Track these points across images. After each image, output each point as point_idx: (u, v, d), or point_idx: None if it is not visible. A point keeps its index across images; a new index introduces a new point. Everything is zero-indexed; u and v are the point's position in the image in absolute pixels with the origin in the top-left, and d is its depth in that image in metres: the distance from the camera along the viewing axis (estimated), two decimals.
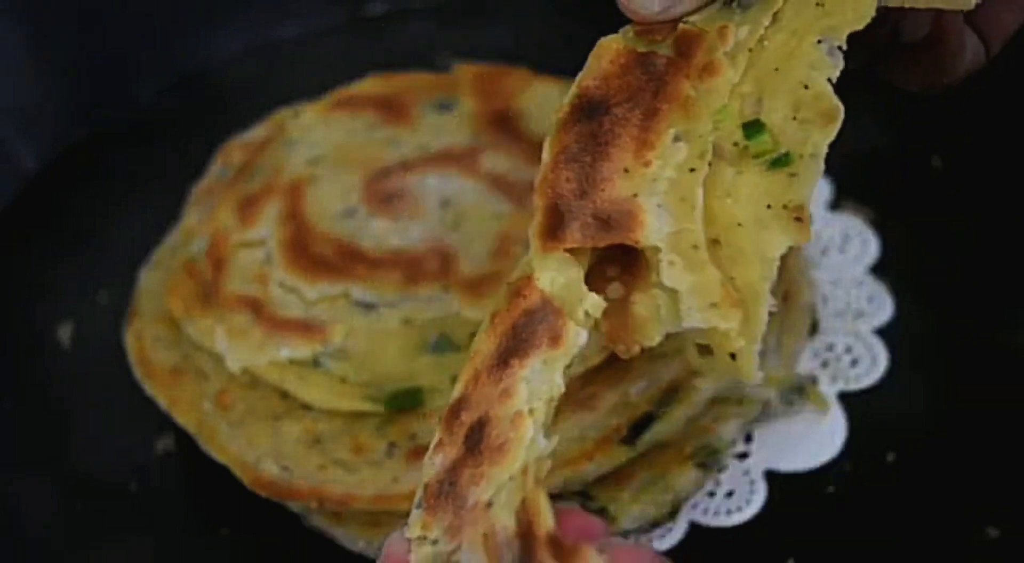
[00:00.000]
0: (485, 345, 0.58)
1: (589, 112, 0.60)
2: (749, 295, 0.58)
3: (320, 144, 0.90)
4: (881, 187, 0.92)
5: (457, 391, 0.58)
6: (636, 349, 0.60)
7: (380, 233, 0.84)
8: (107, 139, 1.06)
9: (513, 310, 0.58)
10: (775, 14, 0.59)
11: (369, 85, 0.94)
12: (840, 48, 0.59)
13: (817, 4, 0.59)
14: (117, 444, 0.85)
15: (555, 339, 0.58)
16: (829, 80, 0.59)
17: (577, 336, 0.58)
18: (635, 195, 0.58)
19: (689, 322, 0.59)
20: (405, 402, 0.77)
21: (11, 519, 0.81)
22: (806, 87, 0.59)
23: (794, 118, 0.59)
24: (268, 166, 0.89)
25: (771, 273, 0.57)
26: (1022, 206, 0.89)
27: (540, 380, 0.57)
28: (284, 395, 0.79)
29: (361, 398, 0.77)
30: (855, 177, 0.92)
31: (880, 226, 0.90)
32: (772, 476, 0.78)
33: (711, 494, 0.77)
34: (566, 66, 0.97)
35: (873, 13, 0.58)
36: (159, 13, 1.09)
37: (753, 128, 0.58)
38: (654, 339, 0.60)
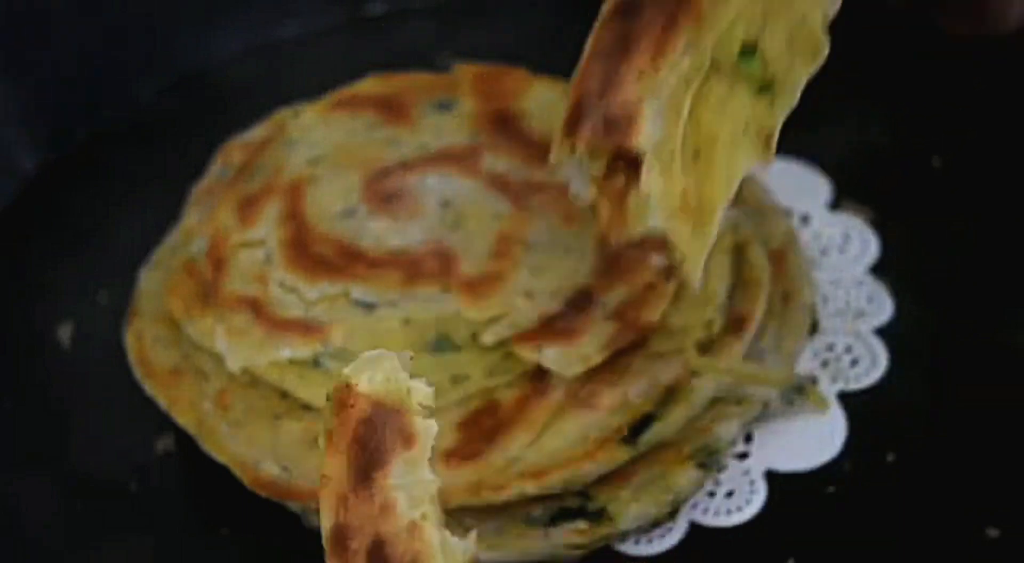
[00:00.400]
0: (334, 468, 0.58)
1: (625, 12, 0.63)
2: (706, 211, 0.63)
3: (320, 144, 0.90)
4: (881, 187, 0.92)
5: (327, 521, 0.58)
6: (623, 239, 0.64)
7: (380, 233, 0.84)
8: (107, 139, 1.06)
9: (346, 423, 0.58)
10: None
11: (369, 85, 0.94)
12: None
13: None
14: (117, 444, 0.85)
15: (407, 439, 0.58)
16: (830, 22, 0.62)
17: (427, 428, 0.58)
18: (641, 99, 0.62)
19: (653, 223, 0.63)
20: None
21: (11, 519, 0.81)
22: (804, 20, 0.62)
23: (788, 49, 0.62)
24: (268, 166, 0.89)
25: (730, 194, 0.62)
26: (1022, 206, 0.89)
27: (412, 483, 0.57)
28: (284, 395, 0.79)
29: None
30: (855, 177, 0.92)
31: (880, 226, 0.90)
32: (772, 476, 0.78)
33: (711, 494, 0.77)
34: (566, 66, 0.97)
35: None
36: (159, 13, 1.09)
37: (747, 53, 0.62)
38: (634, 232, 0.64)
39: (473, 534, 0.60)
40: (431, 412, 0.60)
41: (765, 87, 0.63)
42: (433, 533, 0.59)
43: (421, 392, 0.59)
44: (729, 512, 0.77)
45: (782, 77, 0.63)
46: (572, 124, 0.64)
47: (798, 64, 0.62)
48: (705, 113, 0.63)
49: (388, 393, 0.58)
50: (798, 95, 0.62)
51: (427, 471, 0.58)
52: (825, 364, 0.83)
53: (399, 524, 0.57)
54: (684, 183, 0.62)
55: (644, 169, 0.62)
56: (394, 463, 0.58)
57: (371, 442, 0.57)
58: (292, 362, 0.79)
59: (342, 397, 0.58)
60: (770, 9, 0.62)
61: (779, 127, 0.63)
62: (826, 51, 0.62)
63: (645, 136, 0.61)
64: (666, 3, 0.62)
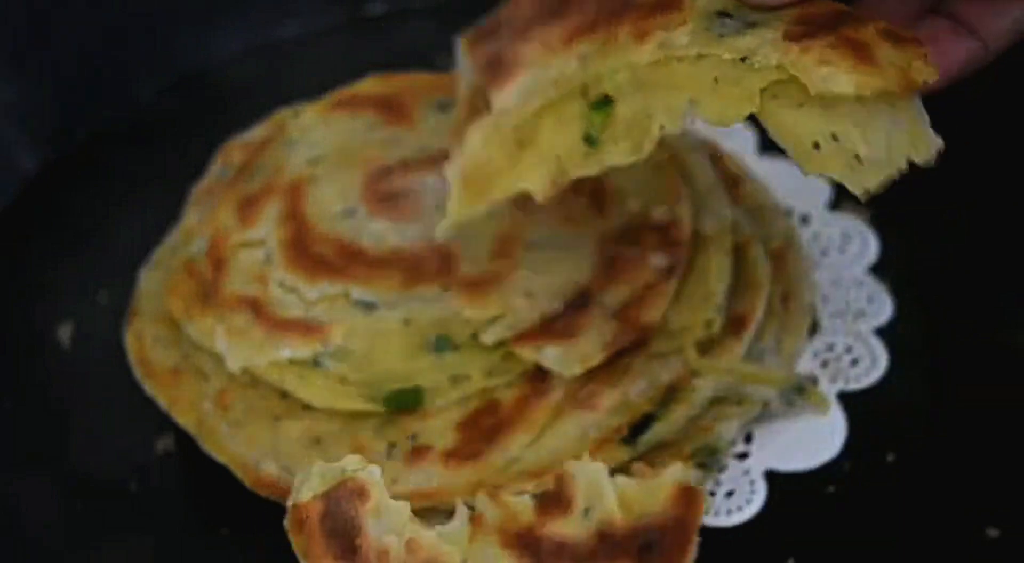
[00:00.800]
0: None
1: None
2: (487, 190, 0.67)
3: (320, 144, 0.90)
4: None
5: None
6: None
7: (380, 233, 0.84)
8: (107, 139, 1.06)
9: (312, 533, 0.65)
10: None
11: (369, 85, 0.94)
12: None
13: None
14: (117, 444, 0.85)
15: (362, 495, 0.65)
16: None
17: (371, 473, 0.66)
18: (530, 65, 0.66)
19: (451, 168, 0.68)
20: (405, 402, 0.77)
21: (11, 519, 0.81)
22: (649, 118, 0.66)
23: (624, 129, 0.66)
24: (268, 166, 0.89)
25: (504, 194, 0.67)
26: (1022, 206, 0.89)
27: (388, 522, 0.65)
28: (284, 395, 0.79)
29: (361, 398, 0.77)
30: None
31: (880, 226, 0.90)
32: (772, 476, 0.78)
33: (711, 494, 0.77)
34: None
35: None
36: (159, 13, 1.09)
37: (603, 104, 0.66)
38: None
39: (461, 508, 0.67)
40: (364, 463, 0.66)
41: (590, 141, 0.66)
42: (428, 535, 0.64)
43: (350, 462, 0.66)
44: (729, 512, 0.77)
45: (605, 146, 0.66)
46: (480, 35, 0.69)
47: (620, 149, 0.66)
48: (548, 117, 0.66)
49: (328, 485, 0.65)
50: (599, 170, 0.66)
51: (390, 501, 0.65)
52: (825, 364, 0.83)
53: (400, 556, 0.64)
54: (493, 156, 0.66)
55: (474, 126, 0.66)
56: (366, 520, 0.64)
57: (339, 525, 0.64)
58: (292, 362, 0.79)
59: (297, 517, 0.65)
60: (647, 82, 0.64)
61: (571, 178, 0.67)
62: (641, 156, 0.65)
63: (504, 95, 0.65)
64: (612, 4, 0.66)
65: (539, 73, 0.65)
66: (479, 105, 0.67)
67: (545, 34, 0.66)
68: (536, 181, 0.67)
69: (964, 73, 0.66)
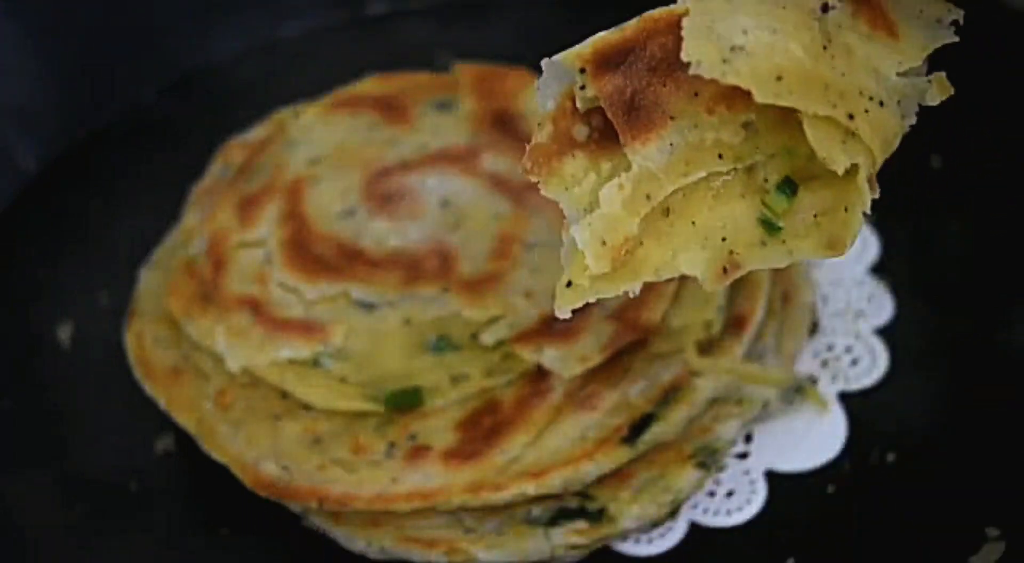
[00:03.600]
0: None
1: None
2: (628, 270, 0.56)
3: (320, 144, 0.90)
4: (881, 187, 0.92)
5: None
6: (533, 174, 0.58)
7: (380, 233, 0.84)
8: (107, 139, 1.06)
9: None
10: None
11: (369, 85, 0.94)
12: None
13: None
14: (117, 444, 0.85)
15: None
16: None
17: None
18: (678, 116, 0.55)
19: (573, 227, 0.57)
20: (405, 402, 0.77)
21: (11, 519, 0.81)
22: (846, 206, 0.57)
23: (814, 221, 0.56)
24: (268, 166, 0.89)
25: (657, 277, 0.56)
26: (1022, 206, 0.89)
27: None
28: (284, 395, 0.79)
29: (361, 398, 0.77)
30: None
31: (880, 226, 0.90)
32: (772, 476, 0.78)
33: (711, 494, 0.77)
34: None
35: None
36: (159, 13, 1.09)
37: (785, 189, 0.56)
38: (548, 190, 0.58)
39: None
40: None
41: (769, 225, 0.56)
42: None
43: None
44: (729, 512, 0.77)
45: (791, 237, 0.56)
46: (602, 56, 0.54)
47: (810, 244, 0.56)
48: (700, 190, 0.55)
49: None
50: (784, 263, 0.56)
51: None
52: (825, 364, 0.83)
53: None
54: (631, 227, 0.55)
55: (610, 185, 0.54)
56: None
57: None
58: (292, 362, 0.79)
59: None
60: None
61: (748, 269, 0.55)
62: (840, 255, 0.55)
63: (647, 151, 0.54)
64: None
65: (687, 133, 0.54)
66: (571, 136, 0.57)
67: (685, 81, 0.53)
68: (700, 265, 0.56)
69: None
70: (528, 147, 0.57)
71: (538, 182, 0.57)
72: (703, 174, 0.55)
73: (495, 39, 1.07)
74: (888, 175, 0.94)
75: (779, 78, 0.52)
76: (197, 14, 1.10)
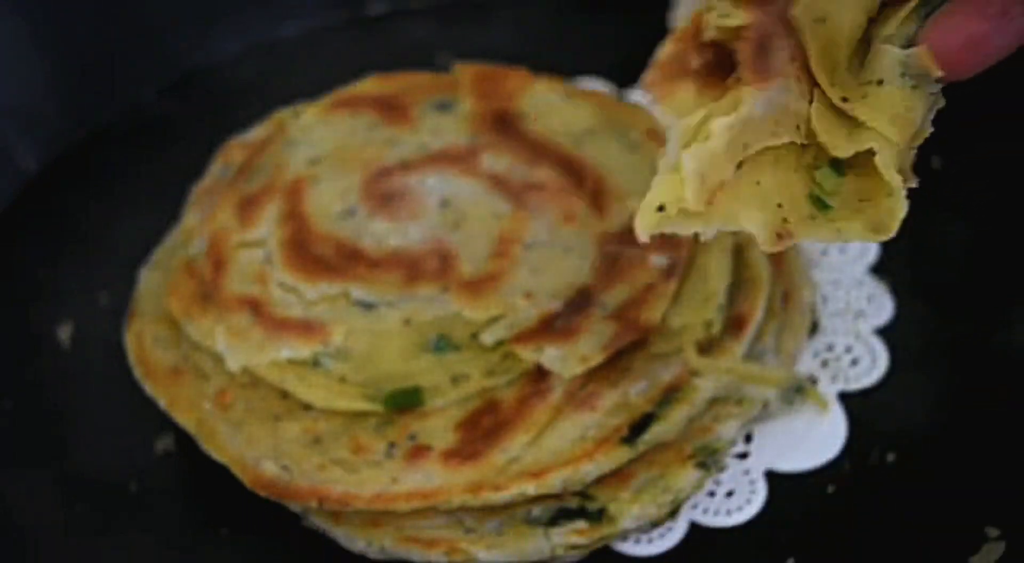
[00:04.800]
0: None
1: None
2: (707, 213, 0.56)
3: (320, 144, 0.90)
4: None
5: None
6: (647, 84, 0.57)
7: (380, 233, 0.84)
8: (107, 139, 1.06)
9: None
10: None
11: (369, 85, 0.94)
12: None
13: None
14: (117, 444, 0.85)
15: None
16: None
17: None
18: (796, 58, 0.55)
19: (671, 148, 0.56)
20: (405, 402, 0.77)
21: (11, 519, 0.81)
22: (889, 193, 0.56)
23: (857, 203, 0.56)
24: (268, 166, 0.89)
25: (717, 228, 0.56)
26: (1022, 206, 0.89)
27: None
28: (284, 395, 0.79)
29: (361, 398, 0.77)
30: None
31: None
32: (772, 476, 0.78)
33: (711, 494, 0.77)
34: (566, 66, 0.98)
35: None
36: (159, 13, 1.09)
37: (835, 166, 0.55)
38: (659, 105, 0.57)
39: None
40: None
41: (819, 202, 0.55)
42: None
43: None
44: (729, 512, 0.77)
45: (839, 216, 0.55)
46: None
47: (856, 226, 0.55)
48: (767, 154, 0.55)
49: None
50: (833, 241, 0.56)
51: None
52: (825, 364, 0.83)
53: None
54: (728, 171, 0.54)
55: (723, 120, 0.53)
56: None
57: None
58: (292, 362, 0.79)
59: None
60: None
61: (796, 240, 0.55)
62: (884, 238, 0.55)
63: (752, 99, 0.53)
64: None
65: (789, 95, 0.54)
66: (686, 62, 0.56)
67: (792, 42, 0.53)
68: (759, 225, 0.55)
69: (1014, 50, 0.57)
70: (651, 62, 0.56)
71: (652, 99, 0.57)
72: (787, 140, 0.55)
73: (495, 39, 1.07)
74: None
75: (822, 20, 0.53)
76: (197, 14, 1.10)
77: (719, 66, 0.56)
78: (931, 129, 0.56)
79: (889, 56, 0.54)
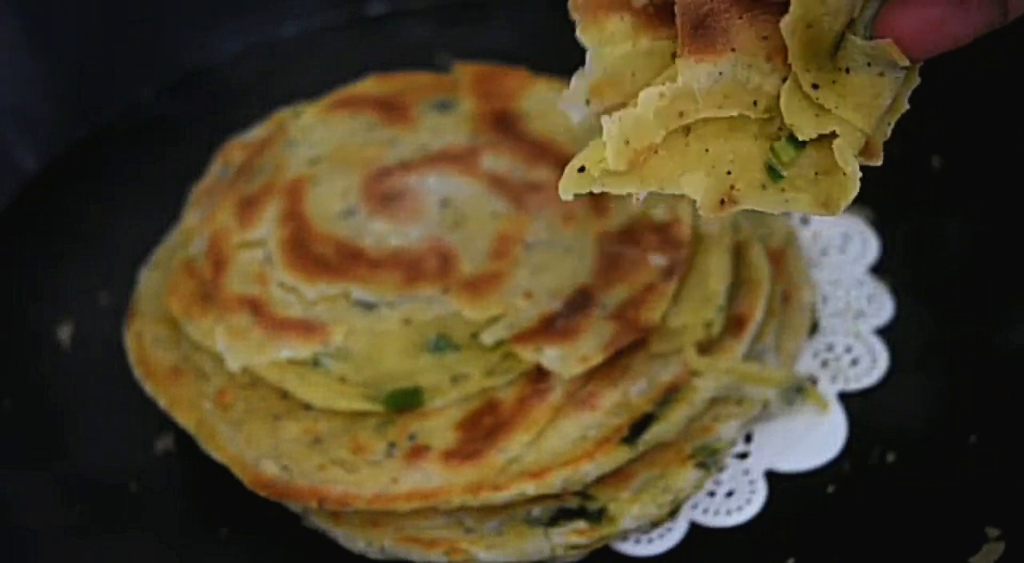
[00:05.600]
0: None
1: None
2: (636, 175, 0.57)
3: (320, 144, 0.90)
4: (881, 187, 0.92)
5: None
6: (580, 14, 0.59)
7: (380, 233, 0.84)
8: (107, 139, 1.06)
9: None
10: None
11: (369, 85, 0.94)
12: None
13: None
14: (117, 444, 0.85)
15: None
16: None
17: None
18: (734, 51, 0.55)
19: (579, 111, 0.59)
20: (405, 402, 0.77)
21: (11, 519, 0.81)
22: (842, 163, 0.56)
23: (813, 179, 0.56)
24: (268, 166, 0.89)
25: (654, 187, 0.57)
26: (1022, 206, 0.89)
27: None
28: (284, 395, 0.79)
29: (361, 398, 0.77)
30: None
31: (880, 226, 0.90)
32: (772, 476, 0.78)
33: (711, 494, 0.77)
34: (566, 66, 0.97)
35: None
36: (159, 13, 1.09)
37: (793, 142, 0.56)
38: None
39: None
40: None
41: (773, 171, 0.56)
42: None
43: None
44: (729, 512, 0.77)
45: (791, 187, 0.56)
46: None
47: (807, 198, 0.56)
48: (721, 120, 0.56)
49: None
50: (778, 210, 0.56)
51: None
52: (825, 364, 0.83)
53: None
54: (656, 136, 0.55)
55: (650, 89, 0.54)
56: None
57: None
58: (292, 362, 0.79)
59: None
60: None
61: (742, 207, 0.56)
62: (832, 214, 0.56)
63: (695, 71, 0.54)
64: None
65: (739, 70, 0.55)
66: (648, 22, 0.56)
67: (763, 21, 0.54)
68: (701, 190, 0.56)
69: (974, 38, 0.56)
70: None
71: (576, 22, 0.58)
72: (735, 113, 0.55)
73: (495, 39, 1.07)
74: (888, 175, 0.94)
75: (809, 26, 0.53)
76: (197, 14, 1.10)
77: (668, 10, 0.56)
78: (907, 106, 0.56)
79: (854, 45, 0.55)
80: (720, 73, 0.55)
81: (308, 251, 0.83)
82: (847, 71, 0.55)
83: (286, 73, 1.08)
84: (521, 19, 1.09)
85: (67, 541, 0.80)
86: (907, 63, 0.54)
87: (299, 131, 0.92)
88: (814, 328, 0.85)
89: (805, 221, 0.91)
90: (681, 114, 0.56)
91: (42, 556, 0.80)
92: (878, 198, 0.92)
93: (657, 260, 0.80)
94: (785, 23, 0.53)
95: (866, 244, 0.89)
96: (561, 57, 0.99)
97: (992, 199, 0.90)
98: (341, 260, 0.83)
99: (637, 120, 0.55)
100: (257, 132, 0.94)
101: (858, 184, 0.56)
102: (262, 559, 0.79)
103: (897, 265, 0.88)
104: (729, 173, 0.57)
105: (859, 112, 0.55)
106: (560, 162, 0.86)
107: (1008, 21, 0.56)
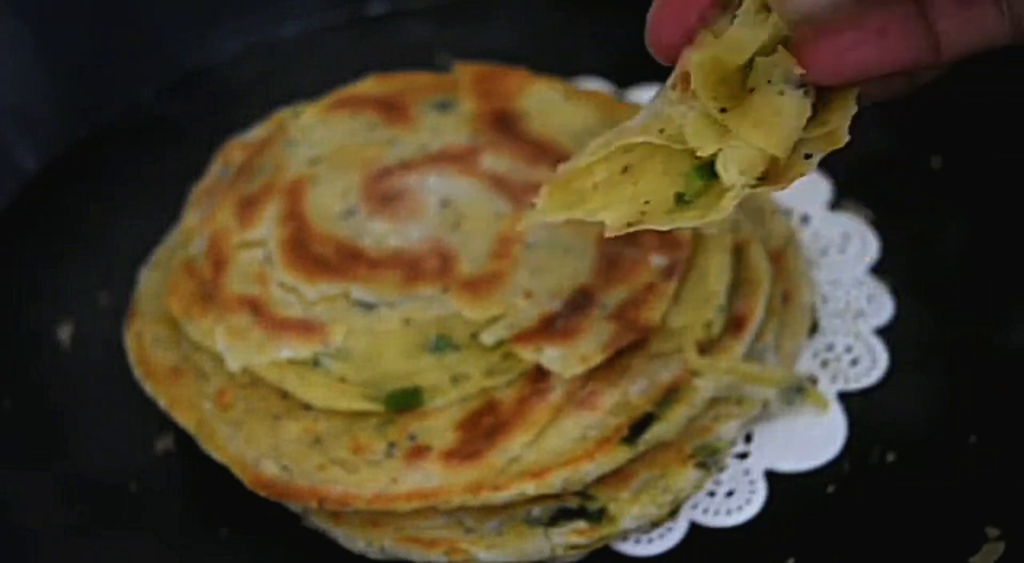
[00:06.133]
0: None
1: None
2: (567, 199, 0.62)
3: (320, 144, 0.90)
4: (881, 187, 0.92)
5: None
6: None
7: (380, 233, 0.84)
8: (107, 139, 1.06)
9: None
10: None
11: (369, 85, 0.94)
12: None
13: None
14: (117, 444, 0.85)
15: None
16: None
17: None
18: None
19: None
20: (405, 402, 0.77)
21: (11, 519, 0.81)
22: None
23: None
24: (268, 166, 0.89)
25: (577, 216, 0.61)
26: (1022, 206, 0.89)
27: None
28: (284, 395, 0.79)
29: (361, 398, 0.77)
30: (855, 177, 0.92)
31: (880, 226, 0.90)
32: (772, 476, 0.78)
33: (711, 494, 0.77)
34: (566, 66, 0.98)
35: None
36: (159, 13, 1.09)
37: (705, 171, 0.59)
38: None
39: None
40: None
41: (680, 201, 0.60)
42: None
43: None
44: (729, 512, 0.77)
45: (688, 209, 0.60)
46: None
47: (692, 214, 0.60)
48: (659, 157, 0.60)
49: None
50: (669, 228, 0.60)
51: None
52: (825, 364, 0.83)
53: None
54: (598, 172, 0.61)
55: (597, 139, 0.60)
56: None
57: None
58: (292, 362, 0.79)
59: None
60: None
61: (644, 227, 0.60)
62: (707, 221, 0.59)
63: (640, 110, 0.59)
64: None
65: (661, 105, 0.59)
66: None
67: (690, 53, 0.57)
68: (615, 217, 0.61)
69: (903, 72, 0.58)
70: None
71: None
72: (648, 139, 0.59)
73: (495, 39, 1.07)
74: (888, 175, 0.94)
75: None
76: (197, 14, 1.10)
77: None
78: (847, 139, 0.57)
79: (757, 66, 0.56)
80: (651, 111, 0.59)
81: (308, 251, 0.83)
82: (751, 91, 0.57)
83: (286, 73, 1.08)
84: (521, 19, 1.09)
85: (67, 541, 0.80)
86: (800, 72, 0.55)
87: (299, 131, 0.92)
88: (814, 328, 0.85)
89: (805, 221, 0.91)
90: (607, 142, 0.60)
91: (42, 556, 0.80)
92: (878, 198, 0.92)
93: (657, 260, 0.80)
94: (682, 65, 0.57)
95: (866, 244, 0.89)
96: (561, 57, 1.00)
97: (992, 199, 0.90)
98: (341, 260, 0.83)
99: (576, 164, 0.61)
100: (257, 132, 0.94)
101: (733, 202, 0.58)
102: (262, 559, 0.79)
103: (897, 265, 0.88)
104: (647, 203, 0.60)
105: (758, 130, 0.57)
106: (560, 162, 0.86)
107: (943, 62, 0.56)
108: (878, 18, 0.54)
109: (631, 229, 0.60)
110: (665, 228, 0.59)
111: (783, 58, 0.55)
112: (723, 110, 0.57)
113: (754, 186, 0.57)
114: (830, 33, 0.54)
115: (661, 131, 0.59)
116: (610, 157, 0.60)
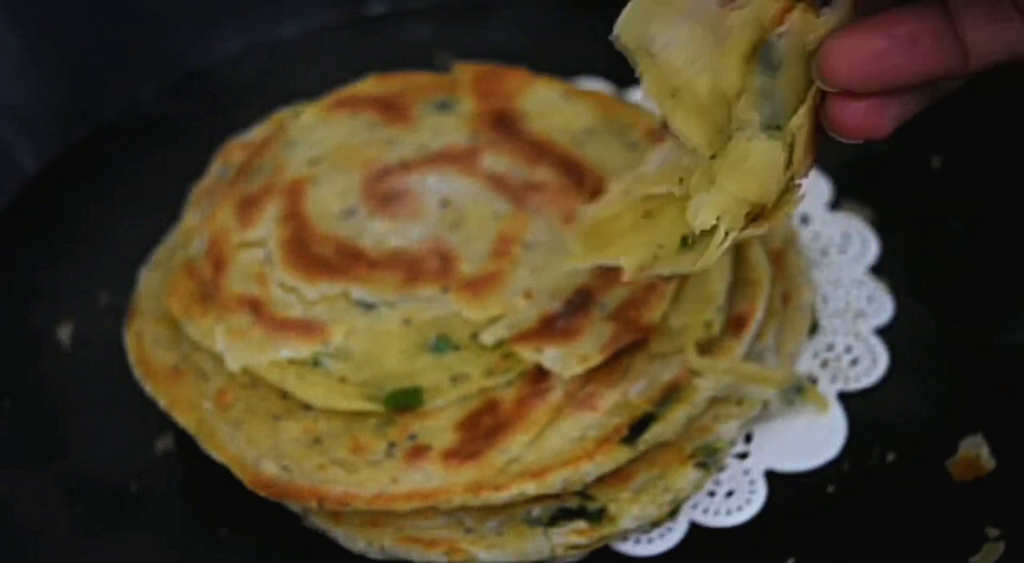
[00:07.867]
0: None
1: None
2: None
3: (320, 144, 0.90)
4: (881, 187, 0.92)
5: None
6: None
7: (380, 233, 0.84)
8: (107, 139, 1.06)
9: None
10: None
11: (369, 85, 0.94)
12: None
13: None
14: (117, 444, 0.85)
15: None
16: None
17: None
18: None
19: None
20: (405, 402, 0.77)
21: (11, 519, 0.81)
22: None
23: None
24: (268, 166, 0.89)
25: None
26: (1022, 206, 0.89)
27: None
28: (284, 395, 0.79)
29: (361, 398, 0.77)
30: (855, 177, 0.92)
31: (880, 226, 0.90)
32: (772, 476, 0.78)
33: (711, 494, 0.77)
34: (566, 66, 0.98)
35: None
36: (159, 13, 1.09)
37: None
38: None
39: None
40: None
41: (685, 244, 0.62)
42: None
43: None
44: (729, 512, 0.77)
45: (687, 254, 0.62)
46: None
47: (687, 260, 0.62)
48: (676, 202, 0.62)
49: None
50: (668, 273, 0.63)
51: None
52: (825, 364, 0.83)
53: None
54: (622, 216, 0.66)
55: (617, 180, 0.66)
56: None
57: None
58: (292, 362, 0.79)
59: None
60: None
61: (653, 272, 0.63)
62: (696, 270, 0.61)
63: (654, 155, 0.66)
64: None
65: (675, 152, 0.63)
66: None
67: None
68: (631, 261, 0.64)
69: (930, 82, 0.57)
70: None
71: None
72: (663, 190, 0.62)
73: (495, 39, 1.07)
74: (888, 175, 0.94)
75: (673, 94, 0.58)
76: (197, 14, 1.10)
77: None
78: (802, 195, 0.59)
79: (733, 111, 0.58)
80: (664, 155, 0.63)
81: (308, 251, 0.83)
82: (728, 138, 0.59)
83: (286, 73, 1.08)
84: (521, 19, 1.09)
85: (67, 541, 0.80)
86: (748, 118, 0.57)
87: (299, 131, 0.92)
88: (814, 328, 0.85)
89: (805, 221, 0.91)
90: (626, 191, 0.65)
91: (42, 556, 0.80)
92: (878, 198, 0.92)
93: None
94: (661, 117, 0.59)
95: (866, 244, 0.89)
96: (561, 57, 1.00)
97: (992, 199, 0.90)
98: (341, 260, 0.83)
99: (603, 208, 0.66)
100: (257, 132, 0.94)
101: (719, 248, 0.59)
102: (262, 559, 0.79)
103: (897, 265, 0.88)
104: (661, 246, 0.63)
105: (731, 176, 0.58)
106: (560, 162, 0.87)
107: (969, 71, 0.56)
108: (910, 26, 0.55)
109: (643, 274, 0.63)
110: (667, 273, 0.63)
111: (741, 109, 0.57)
112: (713, 157, 0.59)
113: (743, 227, 0.59)
114: (861, 39, 0.54)
115: (680, 181, 0.61)
116: (634, 204, 0.64)
